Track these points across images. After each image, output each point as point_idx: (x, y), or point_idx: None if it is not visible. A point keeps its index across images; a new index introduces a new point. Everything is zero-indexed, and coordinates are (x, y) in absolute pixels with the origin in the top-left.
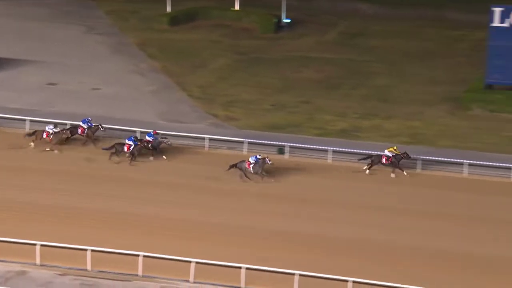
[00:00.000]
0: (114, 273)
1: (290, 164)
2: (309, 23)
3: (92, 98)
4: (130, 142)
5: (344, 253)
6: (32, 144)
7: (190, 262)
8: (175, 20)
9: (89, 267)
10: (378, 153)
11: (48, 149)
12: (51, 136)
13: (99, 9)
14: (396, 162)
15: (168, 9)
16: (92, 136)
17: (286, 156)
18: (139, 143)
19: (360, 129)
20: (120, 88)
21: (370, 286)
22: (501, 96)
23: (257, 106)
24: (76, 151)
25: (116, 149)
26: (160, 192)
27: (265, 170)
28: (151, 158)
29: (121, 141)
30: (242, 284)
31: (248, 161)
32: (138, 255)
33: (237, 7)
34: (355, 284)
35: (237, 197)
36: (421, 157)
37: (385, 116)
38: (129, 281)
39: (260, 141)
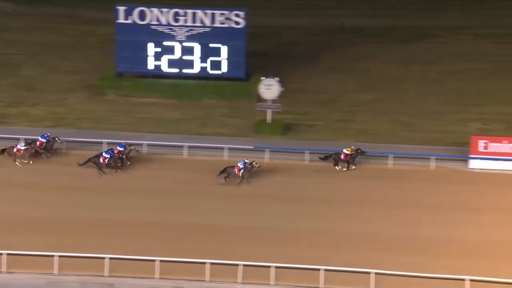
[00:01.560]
0: None
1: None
2: None
3: None
4: (107, 155)
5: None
6: (17, 161)
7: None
8: None
9: None
10: (337, 151)
11: (26, 161)
12: (22, 151)
13: None
14: (351, 160)
15: None
16: (51, 149)
17: None
18: (115, 154)
19: (7, 115)
20: None
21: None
22: (130, 83)
23: None
24: (45, 164)
25: (94, 162)
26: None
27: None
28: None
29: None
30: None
31: (238, 166)
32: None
33: None
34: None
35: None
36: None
37: (31, 104)
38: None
39: None
